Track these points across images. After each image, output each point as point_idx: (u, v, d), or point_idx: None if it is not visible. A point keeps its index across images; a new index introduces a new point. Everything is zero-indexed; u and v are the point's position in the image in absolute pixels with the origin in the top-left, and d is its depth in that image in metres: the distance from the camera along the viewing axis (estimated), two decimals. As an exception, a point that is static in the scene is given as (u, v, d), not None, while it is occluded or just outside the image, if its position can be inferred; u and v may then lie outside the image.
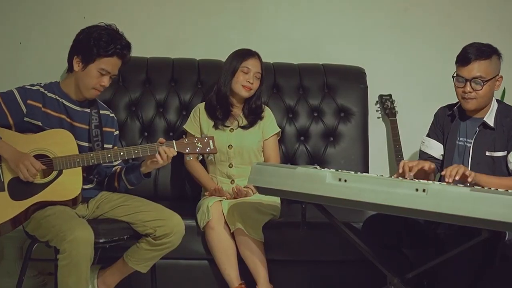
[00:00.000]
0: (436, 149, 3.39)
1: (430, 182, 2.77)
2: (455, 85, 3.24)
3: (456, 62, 3.23)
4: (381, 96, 4.32)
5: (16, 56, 4.21)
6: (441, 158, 3.38)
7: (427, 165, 3.16)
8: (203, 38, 4.33)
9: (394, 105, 4.26)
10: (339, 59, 4.30)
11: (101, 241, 3.15)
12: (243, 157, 3.74)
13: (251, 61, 3.72)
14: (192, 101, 4.09)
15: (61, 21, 4.19)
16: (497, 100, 3.30)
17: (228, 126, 3.77)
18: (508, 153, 3.20)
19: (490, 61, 3.15)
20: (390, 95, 4.30)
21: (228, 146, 3.73)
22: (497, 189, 2.70)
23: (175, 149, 3.17)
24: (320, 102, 4.18)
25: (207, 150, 3.21)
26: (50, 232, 3.00)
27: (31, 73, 4.06)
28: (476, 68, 3.15)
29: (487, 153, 3.22)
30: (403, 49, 4.41)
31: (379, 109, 4.35)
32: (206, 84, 4.12)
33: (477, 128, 3.24)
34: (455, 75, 3.22)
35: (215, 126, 3.75)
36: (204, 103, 3.84)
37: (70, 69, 3.19)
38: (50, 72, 3.93)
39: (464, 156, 3.26)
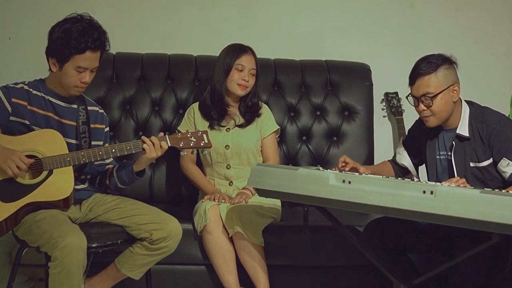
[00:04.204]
0: (406, 160, 3.44)
1: (438, 183, 2.77)
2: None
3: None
4: (386, 94, 4.32)
5: (5, 52, 4.21)
6: (407, 167, 3.44)
7: (362, 169, 3.20)
8: (201, 33, 4.33)
9: (401, 103, 4.26)
10: (343, 55, 4.30)
11: (93, 245, 3.14)
12: (241, 158, 3.74)
13: (245, 57, 3.71)
14: (189, 99, 4.09)
15: (53, 16, 4.12)
16: (468, 103, 3.28)
17: (224, 126, 3.76)
18: (496, 162, 3.19)
19: (435, 75, 3.15)
20: (396, 93, 4.30)
21: (225, 147, 3.73)
22: (508, 191, 2.70)
23: (168, 143, 3.17)
24: (323, 100, 4.18)
25: (202, 144, 3.21)
26: (41, 238, 3.00)
27: (20, 70, 4.07)
28: (421, 85, 3.17)
29: (471, 164, 3.21)
30: (410, 44, 4.40)
31: (384, 107, 4.35)
32: (203, 81, 4.11)
33: (453, 142, 3.24)
34: (409, 96, 3.25)
35: (211, 126, 3.75)
36: (197, 103, 3.83)
37: (49, 69, 3.20)
38: (40, 69, 3.90)
39: (449, 171, 3.27)
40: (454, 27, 4.39)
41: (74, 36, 3.09)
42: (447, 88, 3.16)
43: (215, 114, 3.75)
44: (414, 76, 3.19)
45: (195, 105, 3.83)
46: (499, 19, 4.42)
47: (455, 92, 3.19)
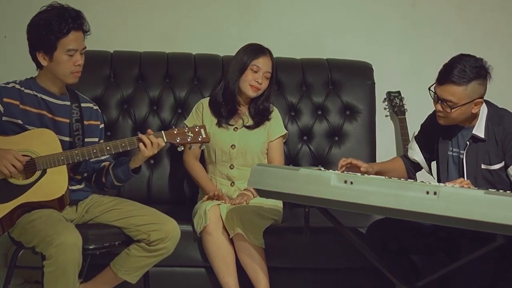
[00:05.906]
0: (418, 155, 3.41)
1: (441, 184, 2.76)
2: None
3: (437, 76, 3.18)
4: (389, 93, 4.31)
5: (1, 50, 4.20)
6: (418, 162, 3.42)
7: (364, 167, 3.21)
8: (200, 32, 4.32)
9: (403, 102, 4.25)
10: (344, 53, 4.29)
11: (90, 247, 3.13)
12: (245, 159, 3.73)
13: (261, 59, 3.70)
14: (188, 98, 4.08)
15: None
16: (487, 103, 3.22)
17: (232, 125, 3.75)
18: (507, 166, 3.16)
19: (465, 88, 3.08)
20: (398, 92, 4.30)
21: (231, 146, 3.72)
22: (512, 192, 2.69)
23: (164, 140, 3.16)
24: (324, 99, 4.17)
25: (199, 139, 3.20)
26: (36, 237, 2.99)
27: (16, 68, 4.04)
28: (449, 92, 3.10)
29: (483, 166, 3.19)
30: (412, 43, 4.40)
31: (387, 106, 4.34)
32: (202, 80, 4.11)
33: (467, 142, 3.21)
34: (432, 88, 3.17)
35: (219, 124, 3.74)
36: (208, 98, 3.82)
37: (39, 66, 3.20)
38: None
39: (459, 168, 3.25)
40: (456, 26, 4.38)
41: (54, 22, 3.11)
42: (470, 101, 3.11)
43: (225, 111, 3.74)
44: (444, 78, 3.11)
45: (205, 100, 3.81)
46: (501, 18, 4.41)
47: (476, 106, 3.14)
